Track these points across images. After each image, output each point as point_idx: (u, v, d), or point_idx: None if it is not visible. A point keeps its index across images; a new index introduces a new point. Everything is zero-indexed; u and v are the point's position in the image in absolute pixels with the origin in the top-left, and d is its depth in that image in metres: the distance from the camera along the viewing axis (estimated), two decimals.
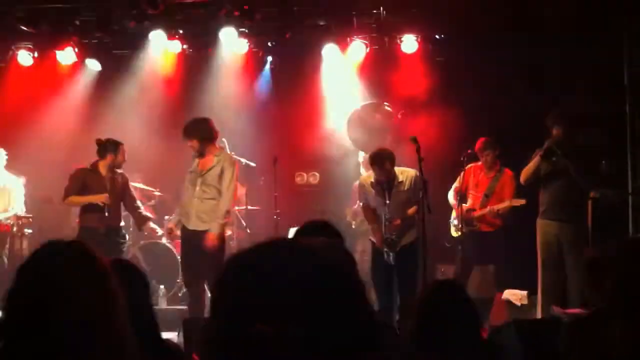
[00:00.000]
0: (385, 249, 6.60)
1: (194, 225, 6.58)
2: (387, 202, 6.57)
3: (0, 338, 1.82)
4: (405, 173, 6.66)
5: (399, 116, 8.70)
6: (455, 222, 7.63)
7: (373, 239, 6.82)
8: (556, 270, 6.60)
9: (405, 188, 6.61)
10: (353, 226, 8.48)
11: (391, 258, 6.57)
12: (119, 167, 7.20)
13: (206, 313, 6.66)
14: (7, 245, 8.05)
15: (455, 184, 7.67)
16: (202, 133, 6.55)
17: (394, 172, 6.60)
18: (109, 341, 1.85)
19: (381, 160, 6.50)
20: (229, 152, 7.00)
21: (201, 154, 6.60)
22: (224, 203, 6.55)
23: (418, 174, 6.51)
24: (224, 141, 7.44)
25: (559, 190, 6.68)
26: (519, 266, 7.17)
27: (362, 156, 8.34)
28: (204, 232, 6.52)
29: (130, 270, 2.67)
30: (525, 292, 7.00)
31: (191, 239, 6.61)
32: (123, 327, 1.91)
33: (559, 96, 7.71)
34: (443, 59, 8.58)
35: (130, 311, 1.94)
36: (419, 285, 6.54)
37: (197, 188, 6.57)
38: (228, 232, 8.57)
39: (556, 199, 6.69)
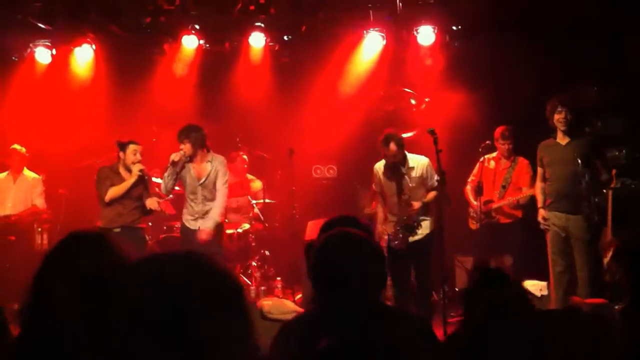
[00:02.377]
0: (398, 228, 6.62)
1: (202, 225, 7.00)
2: (396, 185, 6.64)
3: None
4: (417, 160, 6.68)
5: (423, 107, 8.65)
6: (474, 214, 7.60)
7: (383, 226, 6.86)
8: (565, 261, 6.52)
9: (417, 174, 6.62)
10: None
11: (398, 241, 6.59)
12: (130, 166, 6.93)
13: None
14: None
15: (472, 177, 7.65)
16: (196, 139, 6.89)
17: (403, 155, 6.61)
18: None
19: (386, 141, 6.52)
20: (217, 156, 7.11)
21: (190, 159, 6.97)
22: (220, 203, 7.04)
23: (430, 163, 6.57)
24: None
25: (565, 181, 6.51)
26: (537, 257, 7.10)
27: None
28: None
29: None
30: (545, 283, 6.93)
31: (195, 237, 6.96)
32: None
33: (576, 85, 7.59)
34: (459, 50, 8.52)
35: None
36: (433, 277, 6.60)
37: (199, 194, 7.03)
38: (246, 226, 8.60)
39: (562, 191, 6.52)
